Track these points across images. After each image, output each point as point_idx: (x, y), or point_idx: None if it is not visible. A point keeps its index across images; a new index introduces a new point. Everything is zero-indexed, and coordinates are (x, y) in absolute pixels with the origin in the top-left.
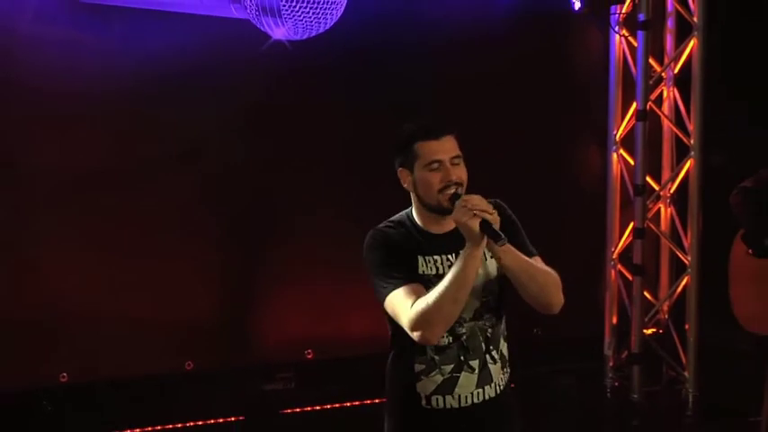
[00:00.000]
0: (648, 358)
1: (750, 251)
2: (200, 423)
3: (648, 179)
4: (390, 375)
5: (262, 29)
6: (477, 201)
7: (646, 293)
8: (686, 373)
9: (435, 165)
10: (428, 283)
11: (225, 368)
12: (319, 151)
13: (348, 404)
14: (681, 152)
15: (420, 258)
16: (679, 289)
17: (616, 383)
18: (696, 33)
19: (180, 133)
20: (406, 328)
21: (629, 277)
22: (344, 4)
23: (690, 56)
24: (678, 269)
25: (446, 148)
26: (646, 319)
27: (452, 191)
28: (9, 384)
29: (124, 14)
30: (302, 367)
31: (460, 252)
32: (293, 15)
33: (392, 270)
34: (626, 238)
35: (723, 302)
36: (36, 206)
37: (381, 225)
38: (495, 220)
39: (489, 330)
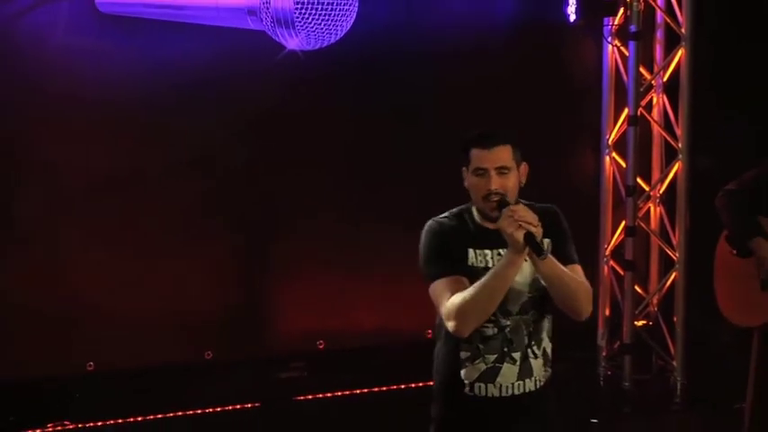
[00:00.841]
0: (639, 348)
1: (733, 251)
2: (218, 409)
3: (639, 180)
4: (437, 361)
5: (276, 40)
6: (522, 212)
7: (637, 288)
8: (674, 363)
9: (480, 172)
10: (476, 274)
11: (242, 358)
12: (331, 153)
13: (357, 391)
14: (669, 155)
15: (471, 251)
16: (668, 283)
17: (609, 372)
18: (684, 43)
19: (198, 138)
20: (443, 317)
21: (621, 272)
22: (354, 16)
23: (678, 65)
24: (667, 265)
25: (493, 158)
26: (636, 312)
27: (495, 199)
28: (40, 372)
29: (146, 26)
30: (314, 357)
31: (504, 253)
32: (306, 27)
33: (440, 260)
34: (618, 235)
35: (709, 296)
36: (65, 206)
37: (440, 216)
38: (538, 232)
39: (532, 326)
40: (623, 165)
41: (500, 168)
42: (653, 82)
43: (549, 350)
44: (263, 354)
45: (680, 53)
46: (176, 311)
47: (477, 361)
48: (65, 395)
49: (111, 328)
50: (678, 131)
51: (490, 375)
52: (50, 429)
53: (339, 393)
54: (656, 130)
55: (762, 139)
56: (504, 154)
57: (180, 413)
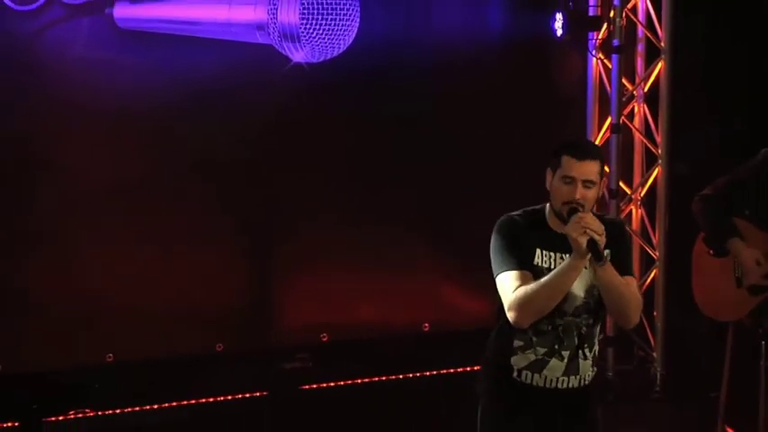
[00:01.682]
0: (622, 341)
1: (711, 252)
2: (229, 398)
3: (621, 184)
4: (492, 345)
5: (283, 53)
6: (590, 220)
7: None
8: (654, 354)
9: (568, 180)
10: (539, 273)
11: (251, 349)
12: (334, 158)
13: (359, 381)
14: (650, 161)
15: (538, 251)
16: (648, 280)
17: None
18: (663, 56)
19: (210, 144)
20: (505, 307)
21: None
22: (356, 32)
23: (658, 76)
24: (648, 263)
25: (584, 170)
26: None
27: (572, 205)
28: (62, 364)
29: (161, 40)
30: (318, 348)
31: (568, 257)
32: (311, 41)
33: (510, 254)
34: None
35: (687, 293)
36: (85, 207)
37: (515, 213)
38: (602, 240)
39: (584, 328)
40: (607, 169)
41: (586, 182)
42: (634, 92)
43: (597, 352)
44: (271, 346)
45: (659, 65)
46: (190, 306)
47: (528, 351)
48: (85, 385)
49: (128, 322)
50: (658, 139)
51: (538, 366)
52: (72, 417)
53: (342, 383)
54: (638, 137)
55: (734, 146)
56: (593, 168)
57: (193, 401)
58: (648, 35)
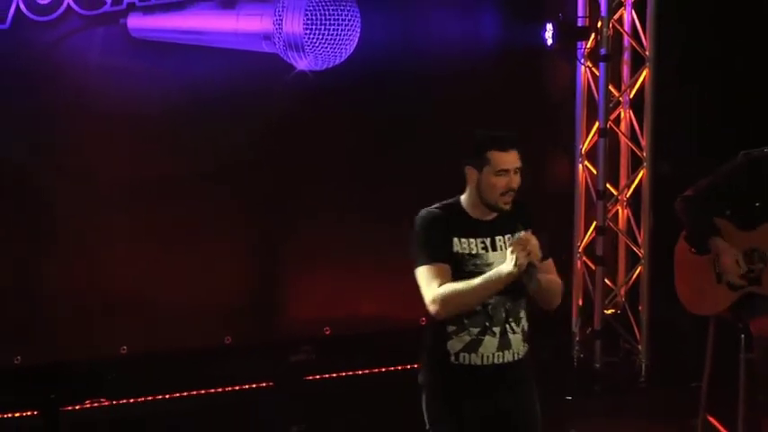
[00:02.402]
0: (608, 334)
1: (693, 249)
2: (236, 388)
3: (608, 186)
4: (427, 335)
5: (288, 61)
6: (534, 243)
7: (606, 280)
8: (639, 347)
9: (502, 173)
10: (461, 259)
11: (257, 342)
12: (336, 160)
13: (360, 372)
14: (635, 163)
15: (456, 239)
16: (634, 277)
17: (581, 355)
18: (647, 65)
19: (218, 147)
20: (426, 300)
21: (593, 267)
22: (356, 41)
23: (643, 83)
24: (633, 260)
25: (512, 159)
26: (606, 302)
27: (511, 197)
28: (79, 355)
29: (172, 49)
30: (322, 341)
31: (498, 238)
32: (314, 50)
33: (429, 247)
34: (590, 234)
35: (670, 288)
36: (101, 207)
37: (433, 206)
38: (537, 264)
39: (509, 304)
40: (594, 172)
41: (516, 169)
42: (620, 98)
43: (526, 328)
44: (277, 339)
45: (644, 73)
46: (200, 302)
47: (462, 333)
48: (101, 375)
49: (142, 316)
50: (643, 142)
51: (474, 346)
52: (88, 406)
53: (344, 374)
54: (624, 141)
55: (716, 148)
56: (517, 156)
57: (203, 391)
58: (634, 44)
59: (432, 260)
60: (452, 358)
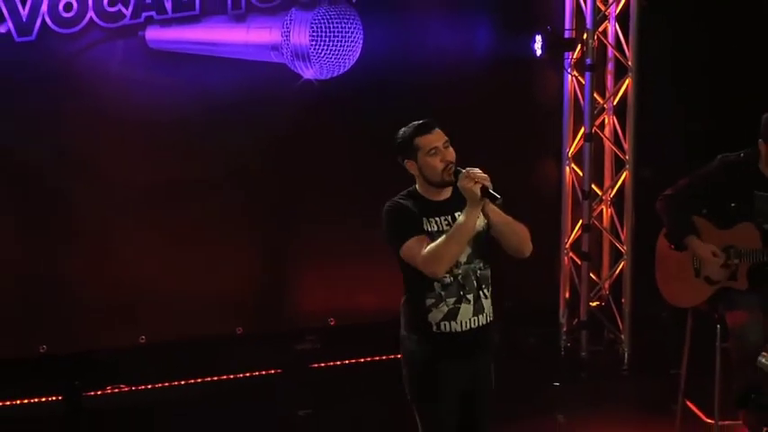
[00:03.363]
0: (593, 325)
1: (672, 246)
2: (247, 375)
3: (593, 186)
4: (406, 311)
5: (295, 71)
6: (476, 171)
7: (591, 275)
8: (622, 337)
9: (434, 151)
10: (432, 237)
11: (266, 332)
12: (340, 163)
13: (362, 360)
14: (618, 166)
15: (425, 219)
16: (617, 271)
17: (568, 344)
18: (630, 74)
19: (229, 150)
20: (420, 266)
21: (579, 262)
22: (359, 52)
23: (625, 91)
24: (616, 256)
25: (438, 137)
26: (591, 295)
27: (452, 169)
28: (101, 345)
29: (187, 59)
30: (326, 332)
31: (457, 213)
32: (320, 60)
33: (406, 227)
34: (576, 231)
35: (651, 282)
36: (120, 207)
37: (396, 198)
38: (489, 185)
39: (479, 272)
40: (580, 173)
41: (445, 143)
42: (605, 105)
43: (491, 292)
44: (284, 329)
45: (627, 82)
46: (213, 295)
47: (440, 305)
48: (121, 363)
49: (159, 308)
50: (626, 146)
51: (452, 314)
52: (108, 391)
53: (347, 362)
54: (608, 145)
55: (694, 152)
56: (441, 132)
57: (215, 378)
58: (617, 55)
59: (410, 236)
60: (434, 328)
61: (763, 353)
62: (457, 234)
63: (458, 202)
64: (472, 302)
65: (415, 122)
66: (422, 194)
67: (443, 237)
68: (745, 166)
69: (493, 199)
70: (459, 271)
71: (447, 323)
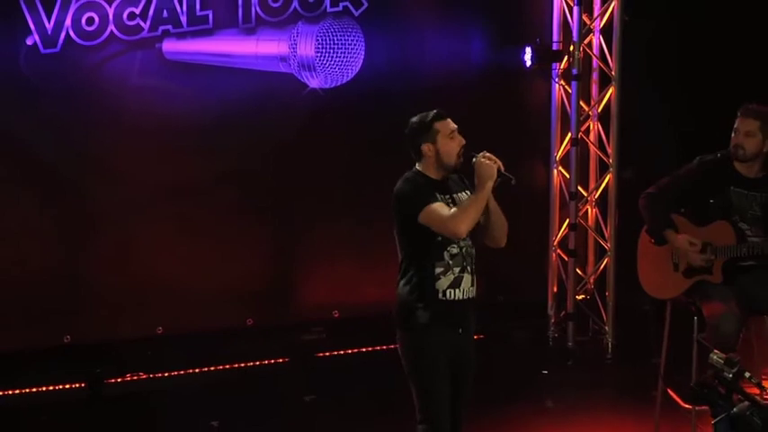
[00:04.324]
0: (579, 317)
1: (652, 241)
2: (257, 363)
3: (579, 188)
4: (412, 283)
5: (301, 80)
6: (490, 154)
7: (578, 270)
8: (606, 327)
9: (452, 135)
10: None
11: (275, 324)
12: (346, 165)
13: (364, 350)
14: (602, 169)
15: (437, 194)
16: (601, 267)
17: (556, 335)
18: (613, 83)
19: (241, 154)
20: (447, 222)
21: (566, 258)
22: (361, 63)
23: (609, 99)
24: (600, 252)
25: (452, 124)
26: (577, 289)
27: (463, 152)
28: (120, 335)
29: (201, 69)
30: (331, 323)
31: (458, 194)
32: (325, 70)
33: (426, 194)
34: (563, 230)
35: (633, 276)
36: (138, 206)
37: (406, 175)
38: (502, 166)
39: (469, 249)
40: (567, 176)
41: (457, 130)
42: (590, 113)
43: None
44: (292, 321)
45: (611, 90)
46: (225, 289)
47: (448, 273)
48: (140, 352)
49: (175, 300)
50: (609, 150)
51: (457, 282)
52: (128, 378)
53: (350, 351)
54: (593, 149)
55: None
56: (451, 124)
57: (228, 366)
58: (601, 66)
59: (430, 201)
60: (440, 295)
61: (715, 350)
62: (478, 201)
63: (456, 184)
64: (470, 273)
65: (429, 111)
66: (427, 174)
67: (467, 200)
68: (722, 165)
69: (508, 180)
70: (463, 244)
71: (452, 290)
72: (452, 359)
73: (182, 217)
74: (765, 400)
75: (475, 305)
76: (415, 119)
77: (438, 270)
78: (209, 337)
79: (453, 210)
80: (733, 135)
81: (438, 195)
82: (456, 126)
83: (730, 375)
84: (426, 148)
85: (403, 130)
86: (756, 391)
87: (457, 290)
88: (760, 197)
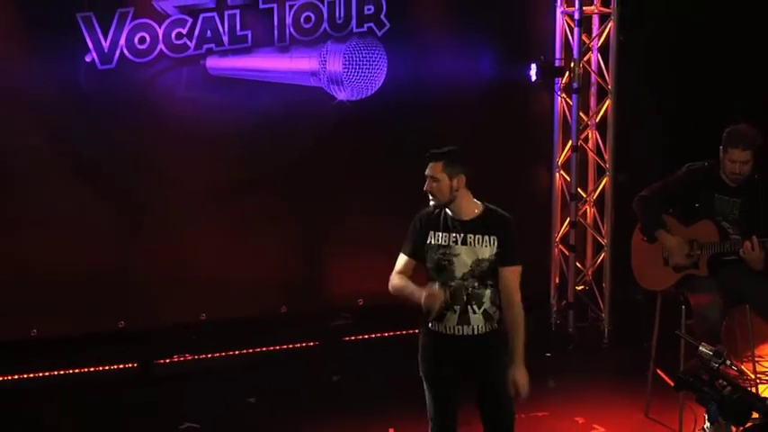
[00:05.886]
0: (579, 305)
1: (644, 239)
2: (290, 346)
3: (579, 190)
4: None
5: (330, 93)
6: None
7: (577, 264)
8: (603, 315)
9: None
10: (430, 248)
11: (306, 310)
12: (373, 167)
13: (387, 334)
14: (599, 173)
15: (432, 233)
16: (599, 261)
17: (558, 322)
18: (610, 96)
19: (275, 160)
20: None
21: (567, 253)
22: (384, 77)
23: (606, 111)
24: (598, 248)
25: (429, 170)
26: (577, 280)
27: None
28: (168, 321)
29: (240, 83)
30: (356, 310)
31: (469, 236)
32: (351, 84)
33: (410, 241)
34: (564, 228)
35: (627, 269)
36: (186, 205)
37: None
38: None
39: (470, 289)
40: (568, 179)
41: (431, 177)
42: (589, 122)
43: (491, 311)
44: (321, 308)
45: (607, 103)
46: (262, 279)
47: None
48: (185, 336)
49: (218, 289)
50: (606, 156)
51: (440, 318)
52: (175, 359)
53: (374, 336)
54: (591, 155)
55: (663, 161)
56: (435, 168)
57: (264, 349)
58: (599, 80)
59: (406, 252)
60: (430, 325)
61: (703, 342)
62: (406, 293)
63: (474, 226)
64: (458, 314)
65: (435, 148)
66: (446, 209)
67: (404, 284)
68: (708, 172)
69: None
70: (453, 284)
71: (436, 323)
72: (457, 362)
73: (222, 215)
74: (744, 383)
75: (476, 341)
76: (451, 150)
77: None
78: (247, 322)
79: (394, 279)
80: (729, 164)
81: (434, 234)
82: (430, 174)
83: (716, 366)
84: (461, 179)
85: (419, 137)
86: (735, 373)
87: (439, 324)
88: (740, 203)
